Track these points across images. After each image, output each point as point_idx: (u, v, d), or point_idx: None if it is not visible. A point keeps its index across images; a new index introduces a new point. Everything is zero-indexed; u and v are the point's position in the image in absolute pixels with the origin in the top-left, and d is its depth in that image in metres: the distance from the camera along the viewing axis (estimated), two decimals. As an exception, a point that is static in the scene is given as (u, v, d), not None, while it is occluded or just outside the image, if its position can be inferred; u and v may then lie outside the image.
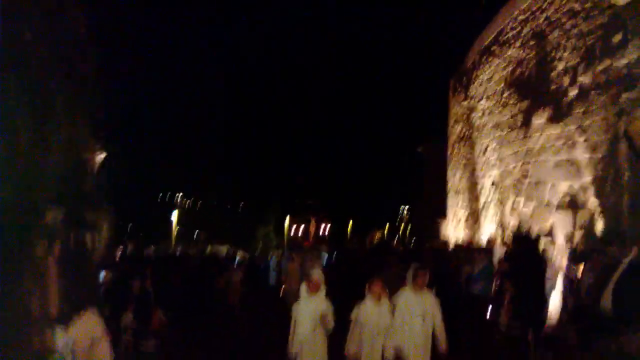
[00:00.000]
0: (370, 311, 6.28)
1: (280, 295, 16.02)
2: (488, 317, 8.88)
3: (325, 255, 17.72)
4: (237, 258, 26.14)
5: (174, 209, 49.57)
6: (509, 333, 7.60)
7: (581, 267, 8.72)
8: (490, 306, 8.88)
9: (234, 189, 77.83)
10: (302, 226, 78.61)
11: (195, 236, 60.56)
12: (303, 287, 6.42)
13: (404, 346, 6.20)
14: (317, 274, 6.47)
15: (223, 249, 37.76)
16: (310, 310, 6.18)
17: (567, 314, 8.09)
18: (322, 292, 6.36)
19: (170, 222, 45.17)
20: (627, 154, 8.93)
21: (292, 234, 65.37)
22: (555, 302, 10.64)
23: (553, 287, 10.61)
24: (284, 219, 63.22)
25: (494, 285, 9.48)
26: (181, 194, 79.56)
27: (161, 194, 73.57)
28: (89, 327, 4.14)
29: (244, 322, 12.98)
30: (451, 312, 7.36)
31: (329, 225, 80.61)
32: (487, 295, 8.22)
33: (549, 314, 10.48)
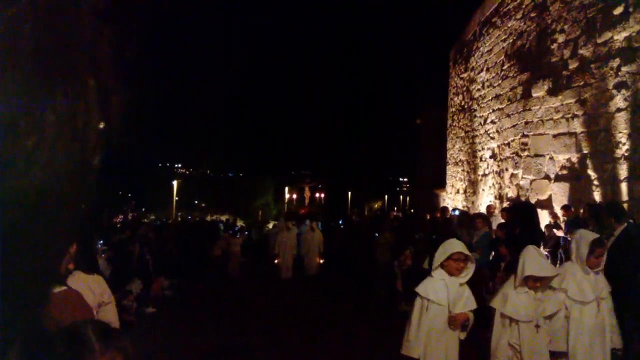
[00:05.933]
0: (521, 301, 4.47)
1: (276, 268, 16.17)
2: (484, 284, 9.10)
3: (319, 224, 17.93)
4: (237, 227, 26.55)
5: (174, 179, 49.85)
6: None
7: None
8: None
9: (232, 160, 78.00)
10: (297, 195, 78.97)
11: (195, 205, 60.87)
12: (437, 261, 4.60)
13: (572, 342, 4.61)
14: (456, 246, 4.56)
15: (223, 218, 38.21)
16: (445, 299, 4.48)
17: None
18: (465, 276, 4.55)
19: (171, 192, 45.45)
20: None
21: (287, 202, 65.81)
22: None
23: (549, 255, 10.87)
24: (282, 189, 63.60)
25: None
26: (180, 164, 79.73)
27: (160, 164, 73.73)
28: (96, 291, 4.21)
29: (245, 294, 13.03)
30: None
31: (322, 195, 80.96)
32: (485, 263, 8.39)
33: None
